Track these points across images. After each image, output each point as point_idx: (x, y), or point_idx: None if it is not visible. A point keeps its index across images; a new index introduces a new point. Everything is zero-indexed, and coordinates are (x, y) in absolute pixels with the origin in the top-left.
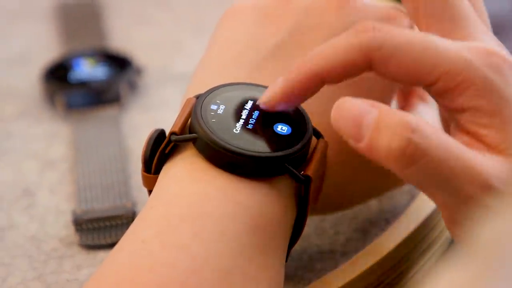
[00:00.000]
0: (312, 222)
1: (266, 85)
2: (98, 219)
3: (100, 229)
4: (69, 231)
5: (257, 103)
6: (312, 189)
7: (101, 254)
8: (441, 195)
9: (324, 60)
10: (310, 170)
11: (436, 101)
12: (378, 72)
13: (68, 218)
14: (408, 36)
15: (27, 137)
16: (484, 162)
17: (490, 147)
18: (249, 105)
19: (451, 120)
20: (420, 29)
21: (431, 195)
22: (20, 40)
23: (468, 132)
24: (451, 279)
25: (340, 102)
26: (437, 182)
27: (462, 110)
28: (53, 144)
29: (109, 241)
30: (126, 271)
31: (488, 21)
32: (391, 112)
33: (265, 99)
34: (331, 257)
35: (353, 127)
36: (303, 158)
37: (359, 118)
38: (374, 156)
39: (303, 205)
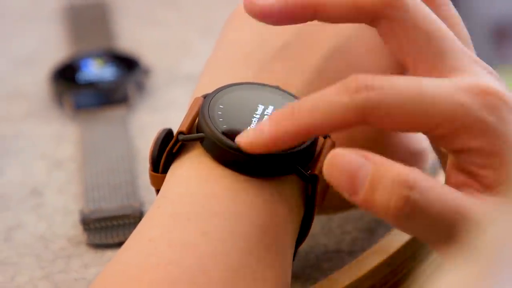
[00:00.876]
0: (319, 222)
1: (273, 84)
2: (105, 219)
3: (108, 229)
4: (77, 230)
5: (236, 141)
6: (319, 188)
7: (109, 253)
8: (438, 243)
9: (315, 119)
10: (317, 169)
11: (433, 143)
12: (373, 126)
13: (76, 218)
14: (402, 91)
15: (35, 137)
16: (481, 209)
17: (487, 188)
18: (255, 104)
19: (447, 156)
20: (407, 67)
21: (429, 243)
22: (29, 41)
23: (465, 171)
24: (449, 282)
25: (332, 155)
26: (434, 233)
27: (460, 151)
28: (61, 144)
29: (116, 240)
30: (133, 270)
31: (470, 42)
32: (386, 165)
33: (249, 139)
34: (338, 256)
35: (347, 182)
36: (310, 157)
37: (353, 173)
38: (370, 211)
39: (310, 204)
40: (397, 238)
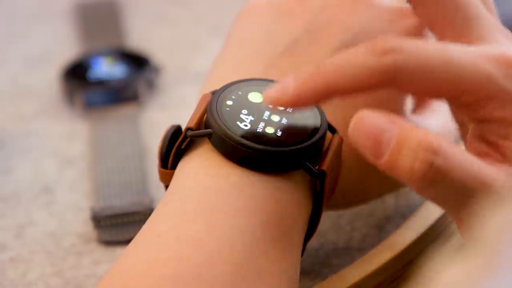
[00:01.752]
0: (328, 219)
1: None
2: (116, 216)
3: (118, 226)
4: (87, 227)
5: (262, 96)
6: (327, 184)
7: (119, 250)
8: (458, 211)
9: (341, 79)
10: (325, 165)
11: (456, 111)
12: (397, 89)
13: (86, 215)
14: (428, 54)
15: (46, 136)
16: (500, 177)
17: (508, 158)
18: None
19: (469, 125)
20: (434, 33)
21: (449, 210)
22: (40, 39)
23: (486, 141)
24: (455, 271)
25: (358, 117)
26: (456, 200)
27: (483, 121)
28: (72, 142)
29: (127, 237)
30: (141, 265)
31: (495, 10)
32: (412, 130)
33: (271, 95)
34: (348, 253)
35: (372, 144)
36: (318, 152)
37: (379, 136)
38: (393, 174)
39: (318, 199)
40: (406, 235)
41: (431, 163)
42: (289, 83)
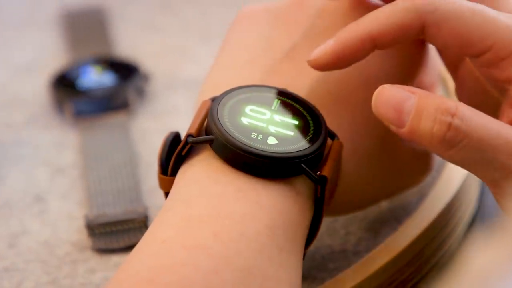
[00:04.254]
0: (323, 223)
1: (281, 87)
2: (110, 223)
3: (113, 233)
4: (81, 236)
5: (306, 60)
6: (328, 190)
7: (115, 258)
8: (487, 172)
9: (377, 22)
10: (326, 171)
11: (482, 73)
12: (429, 38)
13: (80, 223)
14: (461, 3)
15: (37, 145)
16: None
17: None
18: (264, 107)
19: (497, 93)
20: None
21: (477, 173)
22: (28, 48)
23: None
24: (489, 256)
25: (380, 90)
26: (481, 160)
27: (510, 82)
28: (63, 151)
29: (122, 245)
30: (146, 271)
31: None
32: (430, 97)
33: (314, 56)
34: (344, 256)
35: (394, 114)
36: (319, 158)
37: (400, 105)
38: (416, 141)
39: (319, 205)
40: (403, 237)
41: (449, 124)
42: (329, 42)
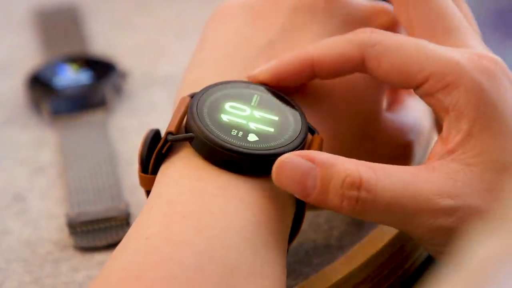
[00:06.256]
0: (307, 218)
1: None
2: (92, 221)
3: (95, 231)
4: (63, 234)
5: (248, 76)
6: None
7: (97, 256)
8: (402, 226)
9: (320, 49)
10: None
11: (425, 102)
12: (370, 71)
13: (60, 222)
14: (402, 39)
15: (14, 144)
16: (429, 184)
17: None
18: (244, 103)
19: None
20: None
21: (391, 226)
22: (1, 48)
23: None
24: (490, 247)
25: (279, 163)
26: (393, 218)
27: (447, 111)
28: (41, 150)
29: (104, 243)
30: (132, 268)
31: (475, 23)
32: (333, 167)
33: (254, 72)
34: (328, 251)
35: (298, 187)
36: None
37: (303, 178)
38: (325, 208)
39: (301, 200)
40: (387, 231)
41: (356, 198)
42: (272, 61)
